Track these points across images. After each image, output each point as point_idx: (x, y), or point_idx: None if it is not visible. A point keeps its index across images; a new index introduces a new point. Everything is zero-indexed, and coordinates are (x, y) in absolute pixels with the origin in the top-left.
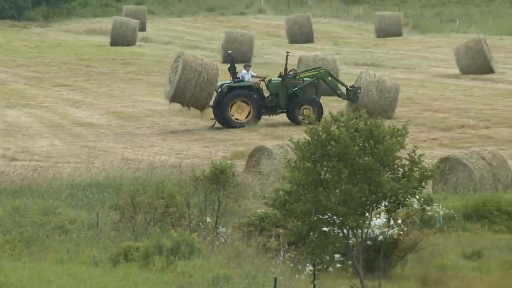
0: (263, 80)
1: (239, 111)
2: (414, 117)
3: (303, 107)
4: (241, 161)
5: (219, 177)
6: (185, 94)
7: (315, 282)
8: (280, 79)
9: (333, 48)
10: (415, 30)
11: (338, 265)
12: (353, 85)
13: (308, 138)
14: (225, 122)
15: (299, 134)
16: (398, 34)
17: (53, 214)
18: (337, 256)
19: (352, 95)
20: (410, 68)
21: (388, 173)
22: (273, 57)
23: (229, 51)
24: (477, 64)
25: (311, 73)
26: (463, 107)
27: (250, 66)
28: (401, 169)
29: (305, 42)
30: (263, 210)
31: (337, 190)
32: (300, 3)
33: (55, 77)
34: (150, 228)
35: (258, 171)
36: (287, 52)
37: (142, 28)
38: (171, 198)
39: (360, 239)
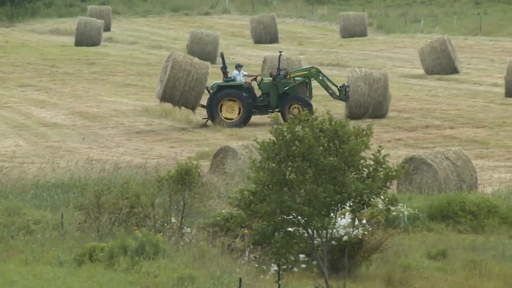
0: (255, 79)
1: (230, 111)
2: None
3: (293, 106)
4: (206, 161)
5: (184, 178)
6: (175, 94)
7: (279, 282)
8: (271, 78)
9: (298, 48)
10: (380, 31)
11: (303, 265)
12: (343, 84)
13: (273, 138)
14: (214, 120)
15: (264, 134)
16: (363, 34)
17: (18, 214)
18: (302, 256)
19: (342, 94)
20: (374, 68)
21: (353, 173)
22: (237, 57)
23: (221, 51)
24: (441, 65)
25: (302, 73)
26: (427, 107)
27: (242, 66)
28: (366, 169)
29: (270, 42)
30: (228, 211)
31: (302, 191)
32: (265, 3)
33: (19, 77)
34: (115, 229)
35: (223, 172)
36: (280, 52)
37: (107, 28)
38: (136, 198)
39: (325, 239)
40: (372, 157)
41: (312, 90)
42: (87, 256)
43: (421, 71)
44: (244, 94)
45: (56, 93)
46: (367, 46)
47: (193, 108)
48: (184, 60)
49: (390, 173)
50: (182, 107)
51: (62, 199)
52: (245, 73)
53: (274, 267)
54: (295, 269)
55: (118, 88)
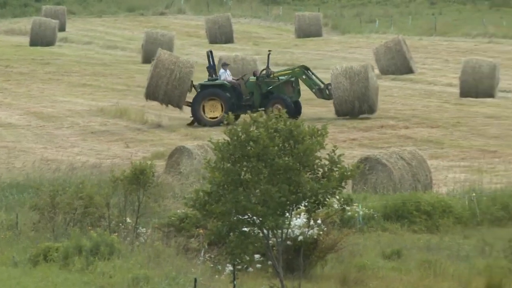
0: (242, 78)
1: (213, 110)
2: (333, 117)
3: (274, 106)
4: (161, 161)
5: (139, 178)
6: (158, 92)
7: (235, 282)
8: (255, 78)
9: (253, 48)
10: (335, 31)
11: (258, 265)
12: (325, 83)
13: (227, 138)
14: (198, 120)
15: (219, 134)
16: (318, 34)
17: None
18: (257, 256)
19: (324, 93)
20: (330, 68)
21: (308, 173)
22: (192, 57)
23: (209, 50)
24: (396, 65)
25: (287, 72)
26: (382, 107)
27: (228, 64)
28: (321, 169)
29: (225, 42)
30: (183, 211)
31: (257, 191)
32: (220, 3)
33: None
34: (69, 229)
35: (178, 172)
36: (269, 50)
37: (62, 28)
38: (90, 198)
39: (280, 239)
40: (327, 157)
41: (300, 90)
42: (41, 256)
43: (376, 71)
44: (227, 93)
45: (11, 93)
46: (322, 46)
47: (178, 107)
48: (169, 58)
49: (345, 173)
50: (181, 106)
51: (17, 200)
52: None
53: (229, 267)
54: (250, 269)
55: (73, 88)
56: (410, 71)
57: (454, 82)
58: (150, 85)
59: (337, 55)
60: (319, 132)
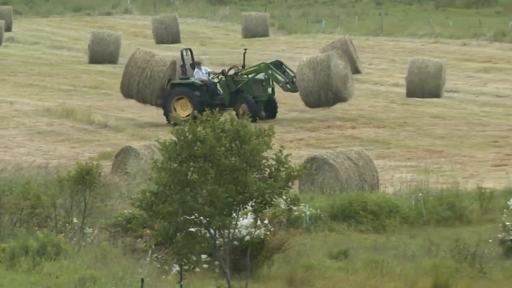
0: (217, 76)
1: (184, 108)
2: (280, 117)
3: (240, 106)
4: (107, 161)
5: (85, 178)
6: (132, 91)
7: (182, 283)
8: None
9: (200, 48)
10: (282, 31)
11: (205, 266)
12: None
13: (174, 138)
14: (168, 118)
15: (166, 134)
16: (264, 34)
17: None
18: (204, 256)
19: (291, 85)
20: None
21: (254, 174)
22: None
23: (185, 48)
24: None
25: (253, 69)
26: (329, 108)
27: (200, 63)
28: (267, 169)
29: (172, 43)
30: (130, 211)
31: (204, 191)
32: (167, 3)
33: None
34: (16, 229)
35: (125, 172)
36: (245, 49)
37: (8, 29)
38: (37, 198)
39: (226, 240)
40: (274, 157)
41: (274, 89)
42: None
43: None
44: (197, 92)
45: None
46: (269, 46)
47: (155, 105)
48: (142, 57)
49: (292, 173)
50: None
51: None
52: (209, 70)
53: (176, 268)
54: (197, 269)
55: (20, 88)
56: (356, 71)
57: (400, 82)
58: (123, 83)
59: (284, 55)
60: (266, 132)
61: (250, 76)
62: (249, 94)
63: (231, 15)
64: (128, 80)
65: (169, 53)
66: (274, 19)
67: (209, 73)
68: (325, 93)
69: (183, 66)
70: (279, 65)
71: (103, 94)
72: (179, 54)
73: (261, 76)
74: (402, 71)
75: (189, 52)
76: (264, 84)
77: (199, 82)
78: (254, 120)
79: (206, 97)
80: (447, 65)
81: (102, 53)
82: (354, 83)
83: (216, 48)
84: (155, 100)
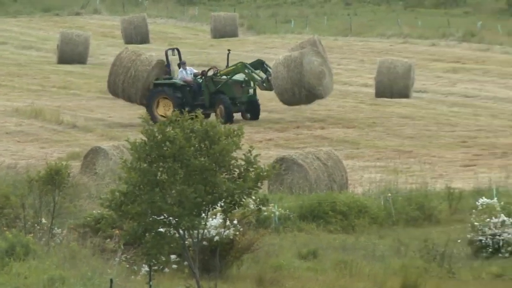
0: (201, 77)
1: (167, 108)
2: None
3: (218, 107)
4: (76, 162)
5: (54, 178)
6: (117, 90)
7: (151, 283)
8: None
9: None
10: (251, 31)
11: (174, 266)
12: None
13: (144, 138)
14: (152, 118)
15: (136, 134)
16: (233, 34)
17: None
18: (173, 256)
19: (267, 84)
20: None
21: (224, 174)
22: (108, 57)
23: (169, 48)
24: None
25: (230, 69)
26: (298, 108)
27: (184, 62)
28: (237, 170)
29: (141, 43)
30: (99, 211)
31: (173, 191)
32: (136, 3)
33: None
34: None
35: (94, 172)
36: (228, 50)
37: None
38: (6, 199)
39: (196, 240)
40: (243, 157)
41: (255, 91)
42: None
43: None
44: (177, 92)
45: None
46: (238, 47)
47: (141, 104)
48: (129, 56)
49: (261, 173)
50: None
51: None
52: (195, 70)
53: (145, 268)
54: (166, 269)
55: None
56: None
57: (369, 83)
58: (109, 82)
59: (253, 56)
60: (235, 132)
61: (229, 76)
62: (229, 95)
63: (200, 16)
64: (113, 79)
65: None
66: (243, 19)
67: (194, 74)
68: (299, 90)
69: (167, 65)
70: (260, 64)
71: (72, 95)
72: (147, 55)
73: (240, 77)
74: (371, 72)
75: (176, 52)
76: (243, 85)
77: (181, 83)
78: (230, 122)
79: (188, 98)
80: (416, 66)
81: (71, 53)
82: (332, 80)
83: (185, 49)
84: (140, 100)
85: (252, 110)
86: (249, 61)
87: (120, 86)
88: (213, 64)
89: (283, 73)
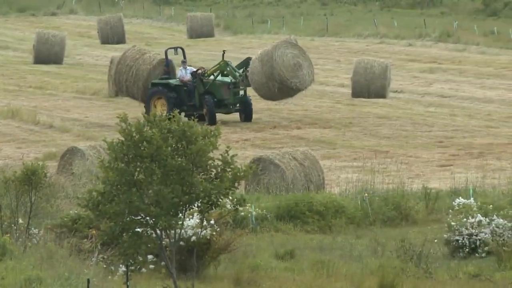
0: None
1: (163, 108)
2: (226, 118)
3: (204, 108)
4: (53, 162)
5: (30, 178)
6: (122, 88)
7: (128, 283)
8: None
9: (145, 48)
10: (227, 31)
11: (151, 266)
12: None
13: (122, 138)
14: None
15: (113, 134)
16: (210, 35)
17: None
18: (150, 257)
19: (245, 79)
20: None
21: (201, 174)
22: (84, 57)
23: (169, 47)
24: None
25: (214, 68)
26: (275, 108)
27: (185, 62)
28: (214, 170)
29: (117, 43)
30: (76, 211)
31: (150, 191)
32: (112, 3)
33: None
34: None
35: (71, 172)
36: (223, 50)
37: None
38: None
39: (173, 240)
40: (220, 157)
41: (246, 92)
42: None
43: None
44: (172, 92)
45: None
46: (214, 47)
47: (141, 102)
48: (132, 55)
49: (238, 174)
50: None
51: None
52: (194, 69)
53: (123, 268)
54: (144, 269)
55: None
56: None
57: (346, 83)
58: (114, 81)
59: (229, 56)
60: (212, 132)
61: (214, 76)
62: (217, 96)
63: (176, 16)
64: (118, 77)
65: (114, 54)
66: (220, 20)
67: (191, 73)
68: (272, 84)
69: (166, 65)
70: (247, 62)
71: (49, 95)
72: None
73: (227, 79)
74: (347, 72)
75: (178, 51)
76: (230, 87)
77: (176, 83)
78: (213, 123)
79: (183, 98)
80: (392, 66)
81: (47, 54)
82: (313, 71)
83: (162, 49)
84: (142, 98)
85: (244, 111)
86: (231, 60)
87: (123, 84)
88: (199, 66)
89: (258, 68)
